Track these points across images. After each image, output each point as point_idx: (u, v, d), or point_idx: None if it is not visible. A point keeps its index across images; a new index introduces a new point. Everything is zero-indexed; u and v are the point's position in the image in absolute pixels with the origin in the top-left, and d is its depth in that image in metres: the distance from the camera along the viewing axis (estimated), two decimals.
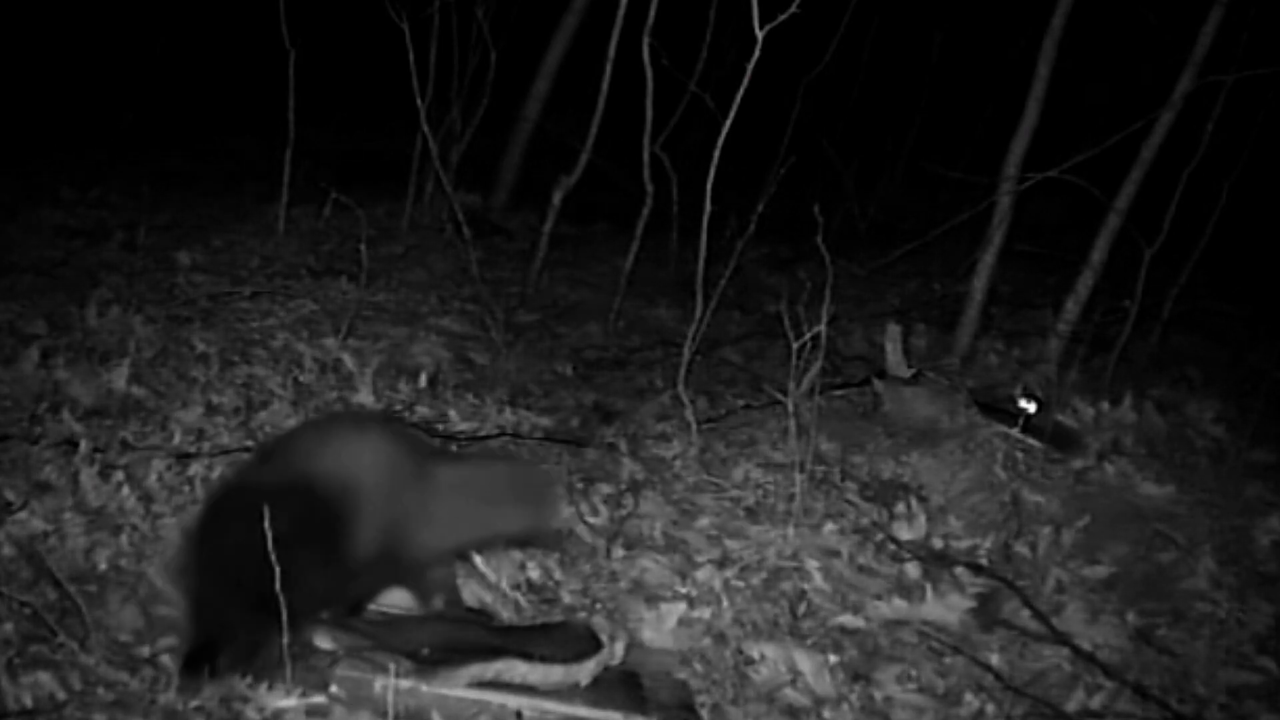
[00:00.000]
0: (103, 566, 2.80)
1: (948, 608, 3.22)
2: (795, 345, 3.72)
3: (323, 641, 2.54)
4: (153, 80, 8.33)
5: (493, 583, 3.02)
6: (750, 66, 3.79)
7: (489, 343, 4.75)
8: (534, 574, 3.11)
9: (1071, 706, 2.86)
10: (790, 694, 2.78)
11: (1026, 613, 3.22)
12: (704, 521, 3.53)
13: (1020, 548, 3.59)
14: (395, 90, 5.34)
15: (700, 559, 3.31)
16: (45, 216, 5.56)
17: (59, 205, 5.76)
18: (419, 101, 5.13)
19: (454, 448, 3.72)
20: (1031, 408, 4.29)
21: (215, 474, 3.24)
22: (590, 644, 2.67)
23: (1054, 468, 4.07)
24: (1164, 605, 3.36)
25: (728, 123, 3.90)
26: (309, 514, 2.47)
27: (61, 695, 2.34)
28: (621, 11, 4.95)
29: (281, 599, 2.29)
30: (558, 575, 3.15)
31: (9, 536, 2.82)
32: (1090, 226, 5.14)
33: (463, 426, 3.92)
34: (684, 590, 3.14)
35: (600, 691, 2.58)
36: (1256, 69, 4.74)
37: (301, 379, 4.04)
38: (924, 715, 2.78)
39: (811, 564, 3.32)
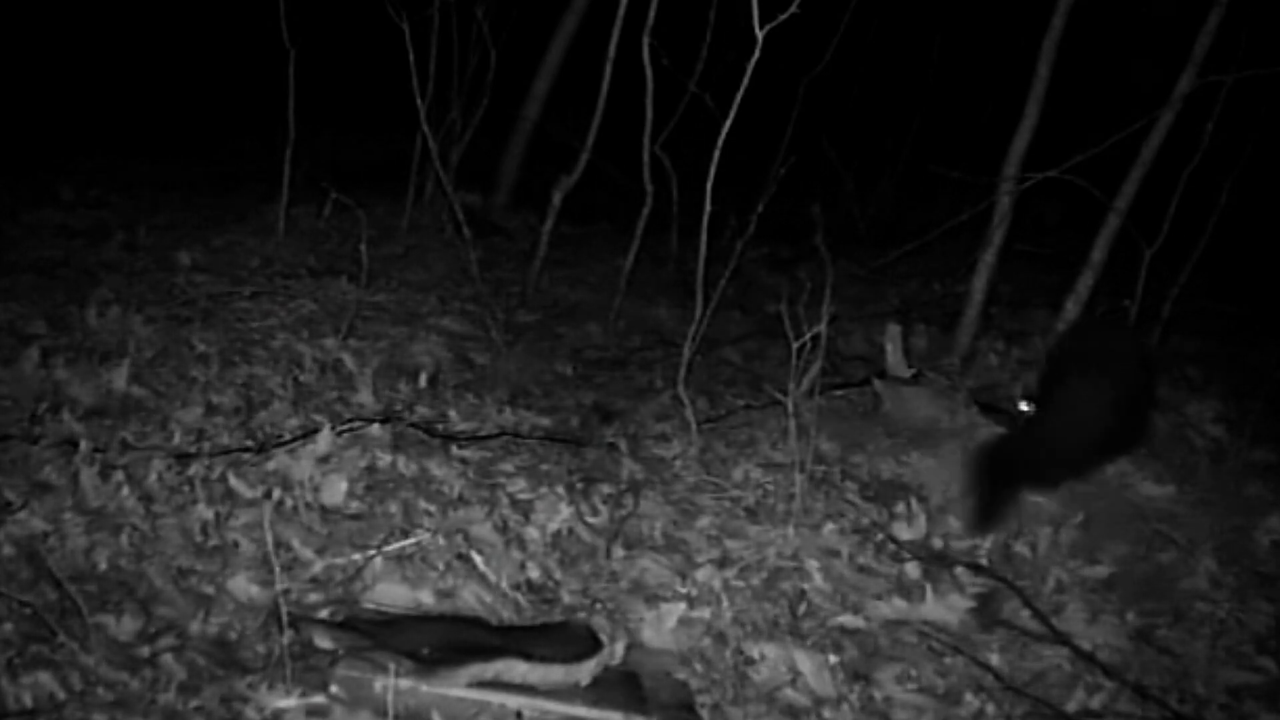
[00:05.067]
0: (103, 566, 2.80)
1: (948, 608, 3.22)
2: (795, 345, 3.72)
3: (323, 641, 2.55)
4: (153, 81, 8.33)
5: (493, 583, 3.02)
6: (750, 66, 3.79)
7: (489, 343, 4.75)
8: (534, 574, 3.11)
9: (1071, 706, 2.86)
10: (790, 694, 2.78)
11: (1026, 613, 3.23)
12: (704, 521, 3.53)
13: (1020, 548, 3.59)
14: (395, 90, 5.34)
15: (700, 559, 3.31)
16: (45, 217, 5.55)
17: (59, 205, 5.76)
18: (419, 101, 5.13)
19: (454, 446, 3.73)
20: (1031, 409, 4.28)
21: (216, 474, 3.24)
22: (590, 644, 2.67)
23: None
24: (1164, 605, 3.36)
25: (728, 123, 3.90)
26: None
27: (61, 695, 2.34)
28: (621, 11, 4.95)
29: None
30: (558, 575, 3.15)
31: (9, 536, 2.82)
32: (1090, 226, 5.14)
33: (463, 426, 3.92)
34: (684, 590, 3.14)
35: (600, 691, 2.58)
36: (1256, 69, 4.74)
37: (301, 379, 4.04)
38: (924, 715, 2.78)
39: (811, 564, 3.32)
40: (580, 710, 2.51)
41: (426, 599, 2.91)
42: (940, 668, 2.96)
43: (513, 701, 2.49)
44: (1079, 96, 6.83)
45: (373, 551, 3.03)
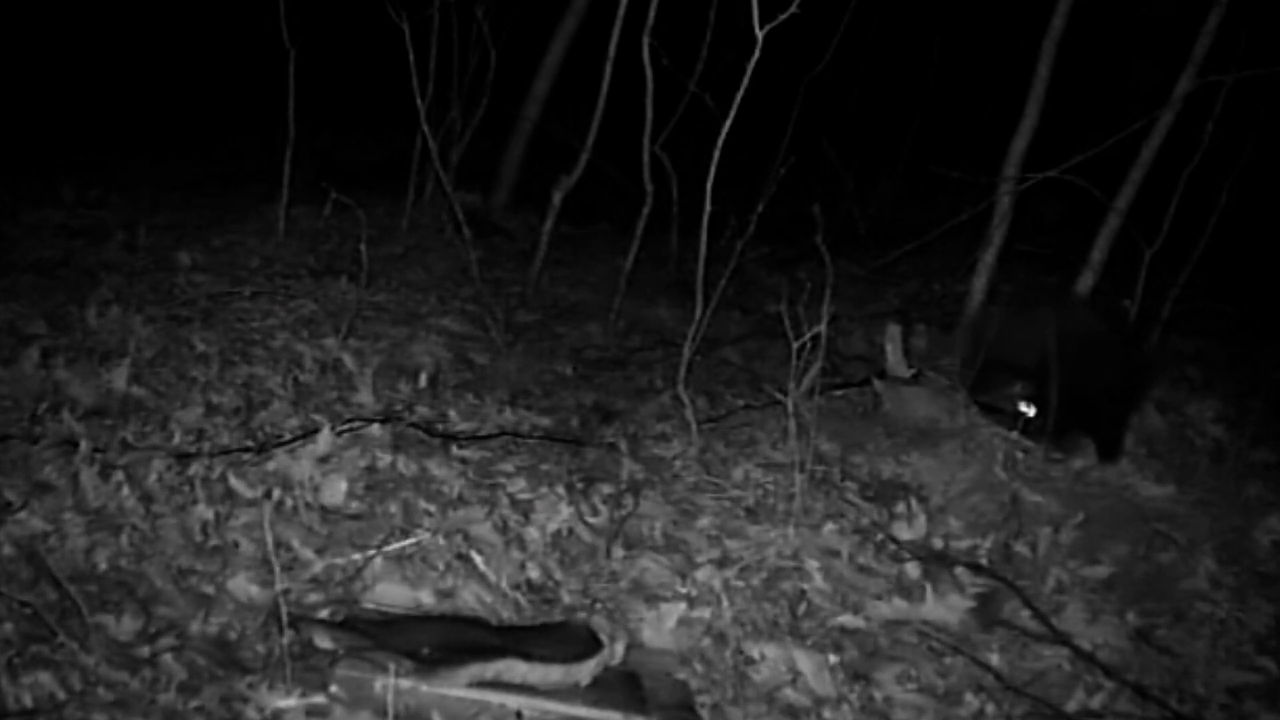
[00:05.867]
0: (103, 566, 2.80)
1: (948, 608, 3.22)
2: (795, 345, 3.72)
3: (323, 641, 2.55)
4: (153, 81, 8.33)
5: (493, 583, 3.02)
6: (750, 66, 3.79)
7: (489, 343, 4.75)
8: (534, 574, 3.11)
9: (1071, 706, 2.86)
10: (790, 694, 2.78)
11: (1026, 613, 3.23)
12: (704, 521, 3.53)
13: (1020, 548, 3.59)
14: (395, 90, 5.34)
15: (700, 559, 3.30)
16: (45, 216, 5.55)
17: (59, 205, 5.75)
18: (419, 101, 5.13)
19: (454, 446, 3.73)
20: (1031, 411, 4.28)
21: (216, 474, 3.24)
22: (590, 644, 2.67)
23: (1053, 468, 4.08)
24: (1164, 605, 3.36)
25: (728, 123, 3.90)
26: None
27: (61, 695, 2.34)
28: (621, 11, 4.95)
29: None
30: (558, 575, 3.15)
31: (9, 536, 2.81)
32: (1090, 226, 5.14)
33: (463, 426, 3.92)
34: (684, 590, 3.14)
35: (600, 691, 2.58)
36: (1256, 69, 4.74)
37: (301, 379, 4.04)
38: (924, 715, 2.79)
39: (811, 564, 3.32)
40: (580, 710, 2.51)
41: (426, 599, 2.91)
42: (940, 668, 2.96)
43: (513, 701, 2.49)
44: (1079, 96, 6.83)
45: (373, 551, 3.03)
